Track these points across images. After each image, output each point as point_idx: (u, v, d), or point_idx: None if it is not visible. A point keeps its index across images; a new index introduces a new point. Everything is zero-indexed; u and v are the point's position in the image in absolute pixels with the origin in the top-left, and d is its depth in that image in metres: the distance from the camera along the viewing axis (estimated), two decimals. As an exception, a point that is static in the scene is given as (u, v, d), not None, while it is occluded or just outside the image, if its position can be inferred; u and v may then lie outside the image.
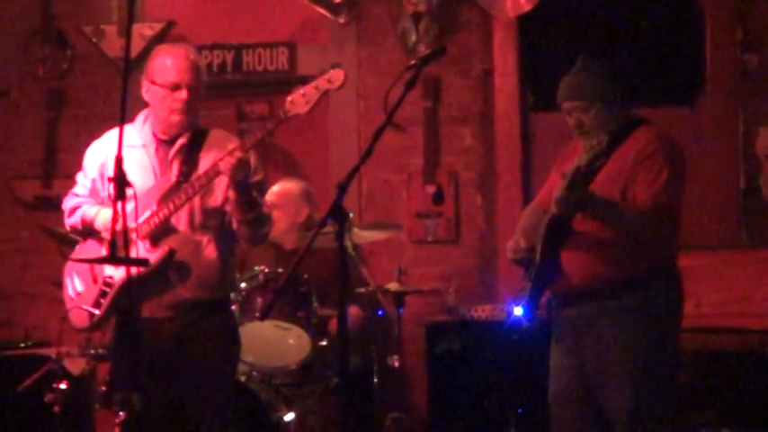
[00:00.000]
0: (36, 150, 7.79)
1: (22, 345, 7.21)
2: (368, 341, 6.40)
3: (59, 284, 5.02)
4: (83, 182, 4.97)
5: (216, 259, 4.81)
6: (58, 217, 5.05)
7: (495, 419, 6.20)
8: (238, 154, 4.56)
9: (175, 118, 4.78)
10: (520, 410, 6.08)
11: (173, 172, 4.78)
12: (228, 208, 4.76)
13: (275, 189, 6.45)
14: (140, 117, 4.91)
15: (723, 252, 6.87)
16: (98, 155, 4.89)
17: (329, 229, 4.40)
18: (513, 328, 4.88)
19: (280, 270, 6.04)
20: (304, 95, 4.55)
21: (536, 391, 5.11)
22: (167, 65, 4.77)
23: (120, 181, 3.96)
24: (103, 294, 4.78)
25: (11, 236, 7.83)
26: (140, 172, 4.75)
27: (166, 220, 4.71)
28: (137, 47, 7.25)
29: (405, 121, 7.07)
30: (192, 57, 4.82)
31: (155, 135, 4.85)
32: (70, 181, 5.06)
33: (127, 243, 4.10)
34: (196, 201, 4.73)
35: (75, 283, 4.90)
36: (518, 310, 4.83)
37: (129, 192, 4.05)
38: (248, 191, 4.69)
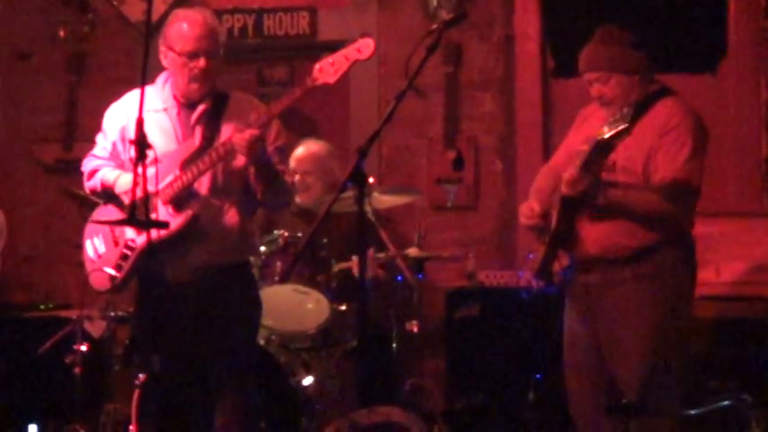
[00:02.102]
0: (57, 114, 7.80)
1: (43, 307, 7.24)
2: (387, 306, 6.41)
3: (80, 247, 5.04)
4: (103, 144, 4.97)
5: (237, 223, 4.82)
6: (79, 180, 5.06)
7: (513, 385, 6.21)
8: (252, 131, 4.54)
9: (194, 86, 4.78)
10: (538, 376, 6.08)
11: (196, 137, 4.78)
12: (250, 180, 4.76)
13: (300, 154, 6.43)
14: (160, 79, 4.90)
15: (744, 219, 6.84)
16: (119, 117, 4.89)
17: (349, 193, 4.40)
18: (524, 290, 4.90)
19: (299, 234, 6.05)
20: (333, 64, 4.53)
21: (554, 356, 5.12)
22: (185, 32, 4.74)
23: (141, 143, 3.97)
24: (125, 257, 4.81)
25: (32, 199, 7.86)
26: (162, 135, 4.76)
27: (190, 184, 4.72)
28: (158, 10, 7.22)
29: (425, 86, 7.05)
30: (210, 22, 4.80)
31: (176, 98, 4.85)
32: (91, 144, 5.06)
33: (147, 206, 4.11)
34: (219, 164, 4.73)
35: (96, 246, 4.92)
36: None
37: (150, 154, 4.06)
38: (266, 164, 4.69)
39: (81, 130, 7.64)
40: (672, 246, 4.68)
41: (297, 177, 6.22)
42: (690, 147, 4.59)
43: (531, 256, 4.89)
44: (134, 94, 4.82)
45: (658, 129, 4.63)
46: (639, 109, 4.64)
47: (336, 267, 6.06)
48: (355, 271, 5.93)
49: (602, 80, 4.73)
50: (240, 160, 4.74)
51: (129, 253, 4.80)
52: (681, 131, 4.61)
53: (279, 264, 6.01)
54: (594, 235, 4.67)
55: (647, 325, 4.63)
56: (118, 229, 4.83)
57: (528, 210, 4.87)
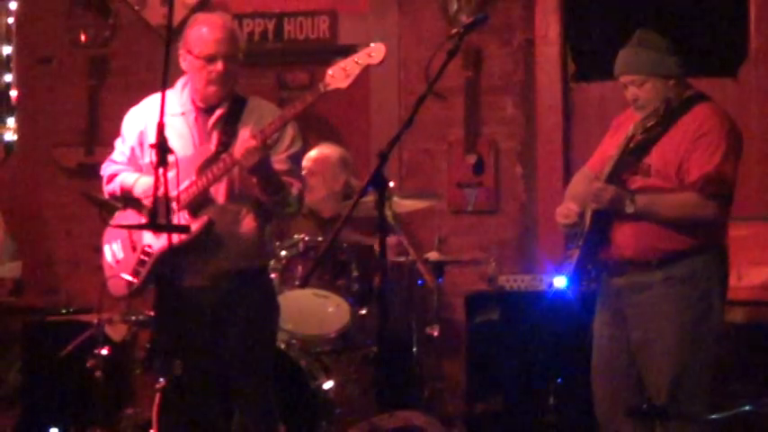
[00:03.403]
0: (78, 118, 7.83)
1: (64, 311, 7.26)
2: (407, 311, 6.41)
3: (100, 251, 5.04)
4: (121, 149, 4.98)
5: (254, 229, 4.82)
6: (100, 184, 5.07)
7: (534, 389, 6.20)
8: (252, 142, 4.55)
9: (212, 89, 4.78)
10: (559, 380, 6.07)
11: (212, 142, 4.78)
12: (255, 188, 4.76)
13: (312, 154, 6.43)
14: (179, 83, 4.90)
15: (766, 223, 6.81)
16: (137, 122, 4.90)
17: (369, 197, 4.40)
18: (557, 295, 4.89)
19: (319, 238, 6.05)
20: (345, 69, 4.53)
21: (575, 360, 5.12)
22: (203, 35, 4.75)
23: (162, 148, 3.97)
24: (142, 263, 4.81)
25: (54, 203, 7.89)
26: (179, 140, 4.74)
27: (205, 190, 4.72)
28: (179, 15, 7.24)
29: (446, 90, 7.05)
30: (229, 25, 4.80)
31: (194, 103, 4.84)
32: (112, 149, 5.08)
33: (168, 211, 4.10)
34: (235, 170, 4.72)
35: (114, 251, 4.93)
36: (558, 281, 4.83)
37: (170, 159, 4.06)
38: (268, 175, 4.67)
39: (102, 135, 7.66)
40: (705, 250, 4.69)
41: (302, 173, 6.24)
42: (723, 151, 4.61)
43: (567, 252, 4.89)
44: (152, 99, 4.84)
45: (692, 133, 4.65)
46: (674, 113, 4.68)
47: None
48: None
49: (637, 83, 4.75)
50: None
51: (146, 259, 4.80)
52: (714, 136, 4.62)
53: (299, 268, 6.01)
54: (628, 238, 4.68)
55: (677, 327, 4.63)
56: (135, 235, 4.83)
57: (566, 210, 4.88)
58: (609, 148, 4.83)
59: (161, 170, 3.96)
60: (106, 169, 5.00)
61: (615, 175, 4.64)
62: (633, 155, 4.57)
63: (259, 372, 4.89)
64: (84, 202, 6.43)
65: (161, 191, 3.96)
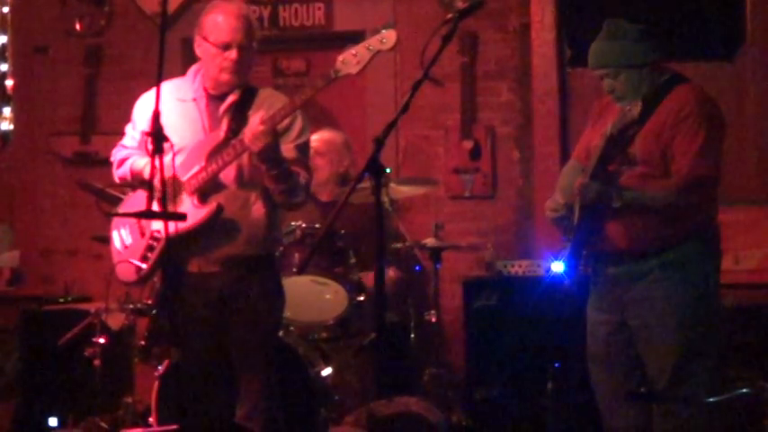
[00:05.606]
0: (74, 107, 7.81)
1: (62, 300, 7.27)
2: (405, 297, 6.42)
3: (99, 239, 5.05)
4: (131, 134, 4.99)
5: (263, 215, 4.83)
6: (97, 173, 5.09)
7: (531, 374, 6.21)
8: (261, 127, 4.55)
9: (225, 77, 4.80)
10: (557, 364, 6.08)
11: (222, 128, 4.79)
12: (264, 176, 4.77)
13: (317, 136, 6.42)
14: (191, 71, 4.94)
15: (763, 208, 6.82)
16: (148, 107, 4.89)
17: (366, 183, 4.40)
18: (554, 285, 4.89)
19: (317, 225, 6.05)
20: (355, 55, 4.54)
21: (573, 345, 5.11)
22: (220, 23, 4.77)
23: (158, 136, 3.98)
24: (150, 248, 4.82)
25: (50, 192, 7.88)
26: (189, 126, 4.79)
27: (215, 175, 4.73)
28: (174, 3, 7.26)
29: (442, 76, 7.03)
30: (245, 14, 4.83)
31: (205, 90, 4.87)
32: (108, 137, 5.09)
33: (165, 197, 4.09)
34: (245, 156, 4.73)
35: (123, 236, 4.93)
36: (556, 266, 4.83)
37: (166, 147, 4.05)
38: (276, 162, 4.68)
39: (98, 123, 7.67)
40: (698, 235, 4.68)
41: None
42: (703, 136, 4.58)
43: (564, 243, 4.88)
44: (165, 85, 4.83)
45: (672, 118, 4.62)
46: (653, 100, 4.66)
47: (359, 275, 6.07)
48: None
49: (611, 75, 4.74)
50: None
51: (154, 244, 4.80)
52: (694, 120, 4.60)
53: (297, 255, 6.02)
54: (621, 229, 4.66)
55: (676, 311, 4.62)
56: (143, 220, 4.83)
57: (553, 203, 4.87)
58: (593, 137, 4.80)
59: (167, 157, 3.98)
60: (116, 154, 5.02)
61: (601, 167, 4.60)
62: (617, 146, 4.54)
63: (262, 359, 4.89)
64: (81, 190, 6.44)
65: (158, 178, 3.96)
